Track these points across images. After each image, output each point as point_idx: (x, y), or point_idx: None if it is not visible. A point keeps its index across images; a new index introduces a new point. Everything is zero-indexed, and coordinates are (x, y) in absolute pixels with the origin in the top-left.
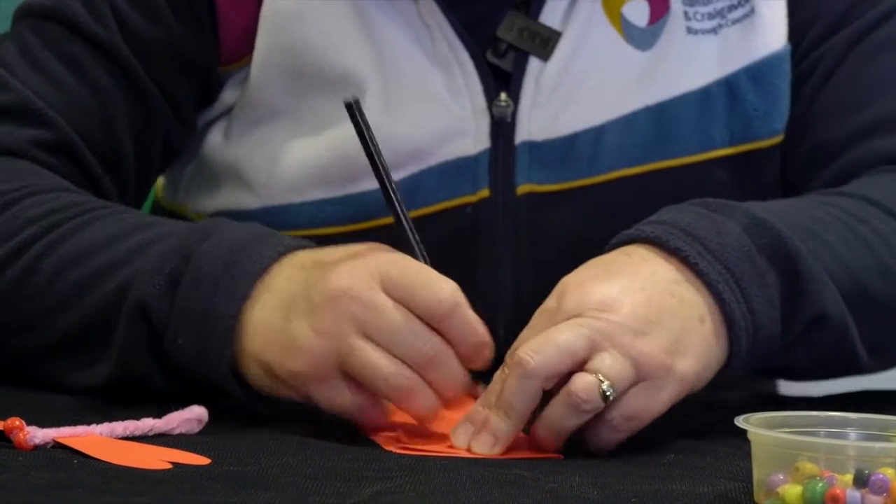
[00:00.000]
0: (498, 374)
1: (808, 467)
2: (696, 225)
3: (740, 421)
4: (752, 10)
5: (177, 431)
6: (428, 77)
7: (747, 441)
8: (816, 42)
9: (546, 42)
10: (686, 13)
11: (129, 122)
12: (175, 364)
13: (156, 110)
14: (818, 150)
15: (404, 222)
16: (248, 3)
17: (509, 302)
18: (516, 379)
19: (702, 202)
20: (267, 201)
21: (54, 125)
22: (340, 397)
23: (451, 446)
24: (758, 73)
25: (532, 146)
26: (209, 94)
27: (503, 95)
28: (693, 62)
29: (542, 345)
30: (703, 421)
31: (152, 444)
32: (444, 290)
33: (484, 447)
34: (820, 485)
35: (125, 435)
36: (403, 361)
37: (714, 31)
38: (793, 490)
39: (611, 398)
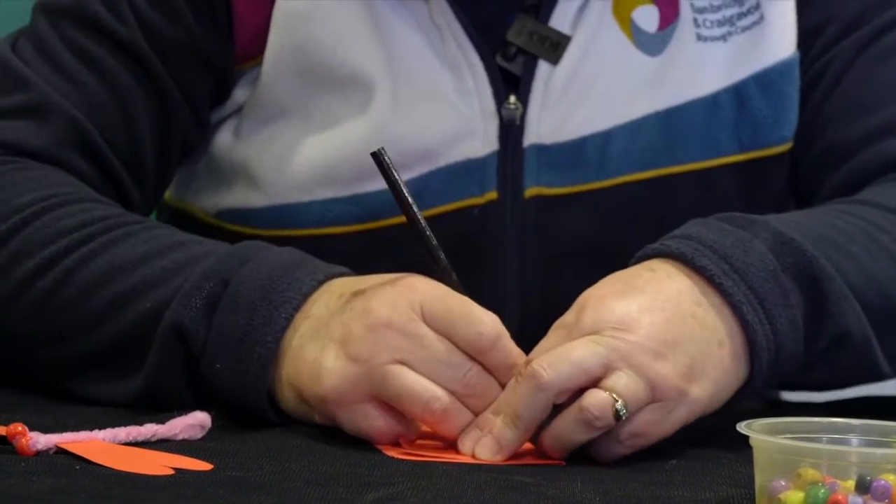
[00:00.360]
0: (511, 383)
1: (811, 473)
2: (722, 242)
3: (742, 427)
4: (762, 18)
5: (179, 437)
6: (437, 78)
7: (749, 447)
8: (826, 47)
9: (556, 46)
10: (696, 20)
11: (149, 121)
12: (210, 387)
13: (175, 109)
14: (828, 154)
15: (446, 265)
16: (263, 3)
17: (516, 304)
18: (528, 390)
19: (727, 217)
20: (275, 200)
21: (76, 124)
22: (367, 422)
23: (453, 452)
24: (766, 80)
25: (540, 149)
26: (223, 93)
27: (512, 98)
28: (702, 69)
29: (556, 359)
30: (705, 427)
31: (155, 449)
32: (485, 323)
33: (487, 453)
34: (822, 491)
35: (128, 441)
36: (443, 387)
37: (723, 38)
38: (795, 496)
39: (623, 417)
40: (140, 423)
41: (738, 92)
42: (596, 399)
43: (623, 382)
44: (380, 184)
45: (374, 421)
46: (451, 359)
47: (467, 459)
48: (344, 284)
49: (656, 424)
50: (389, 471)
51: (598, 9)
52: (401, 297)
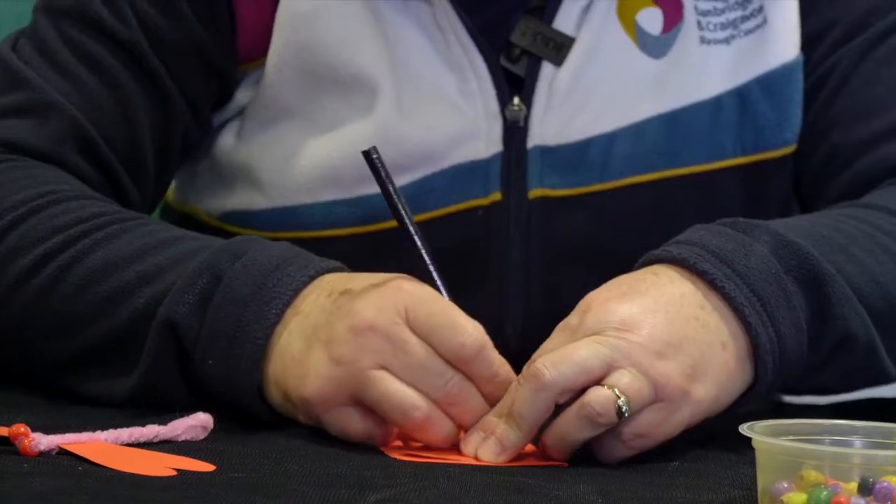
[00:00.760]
0: (513, 385)
1: (813, 475)
2: (724, 247)
3: (745, 429)
4: (765, 21)
5: (182, 438)
6: (441, 80)
7: (752, 449)
8: (830, 50)
9: (559, 48)
10: (699, 23)
11: (150, 121)
12: (203, 383)
13: (175, 110)
14: (833, 157)
15: (429, 264)
16: (265, 4)
17: (519, 305)
18: (530, 391)
19: (730, 222)
20: (278, 202)
21: (75, 123)
22: (351, 425)
23: (456, 453)
24: (769, 83)
25: (544, 150)
26: (225, 94)
27: (516, 100)
28: (706, 72)
29: (559, 359)
30: (708, 428)
31: (157, 450)
32: (469, 333)
33: (490, 455)
34: (824, 493)
35: (130, 442)
36: (424, 394)
37: (727, 41)
38: (797, 498)
39: (626, 414)
40: (142, 424)
41: (741, 95)
42: (598, 396)
43: (626, 380)
44: None
45: (355, 424)
46: (432, 366)
47: (470, 461)
48: (334, 281)
49: (660, 425)
50: (392, 472)
51: (603, 11)
52: (387, 299)
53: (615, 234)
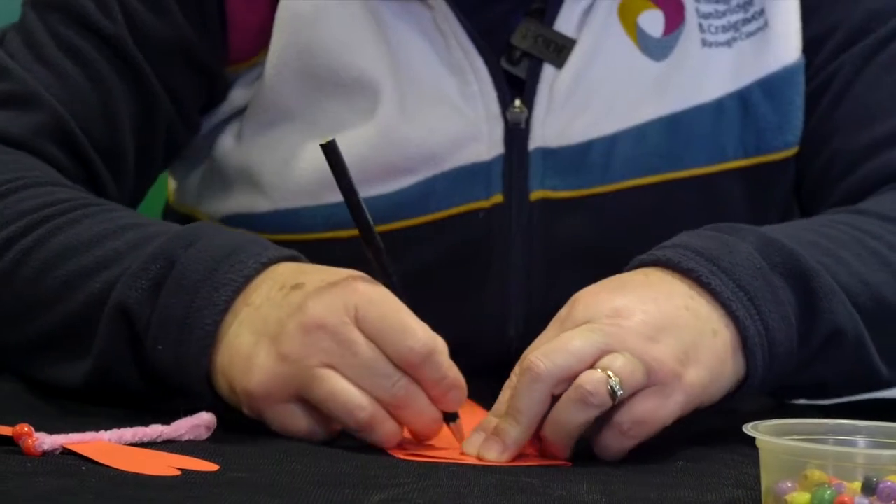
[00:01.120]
0: (508, 383)
1: (817, 475)
2: (708, 246)
3: (748, 428)
4: (766, 24)
5: (185, 438)
6: (442, 83)
7: (755, 448)
8: (833, 55)
9: (560, 49)
10: (701, 25)
11: (131, 116)
12: (154, 369)
13: (159, 106)
14: (834, 162)
15: (383, 261)
16: (261, 3)
17: (521, 306)
18: (526, 384)
19: (714, 226)
20: (279, 204)
21: (55, 114)
22: (294, 422)
23: (459, 453)
24: (771, 86)
25: (546, 152)
26: (215, 93)
27: (517, 102)
28: (707, 74)
29: (551, 350)
30: (712, 428)
31: (161, 450)
32: (418, 338)
33: (492, 454)
34: (828, 492)
35: (134, 441)
36: (370, 395)
37: (728, 43)
38: (801, 498)
39: (619, 394)
40: (145, 424)
41: (742, 97)
42: (590, 376)
43: (619, 364)
44: (385, 188)
45: (298, 421)
46: (379, 368)
47: (473, 460)
48: (287, 273)
49: (655, 410)
50: (395, 472)
51: (604, 12)
52: (337, 298)
53: (616, 236)
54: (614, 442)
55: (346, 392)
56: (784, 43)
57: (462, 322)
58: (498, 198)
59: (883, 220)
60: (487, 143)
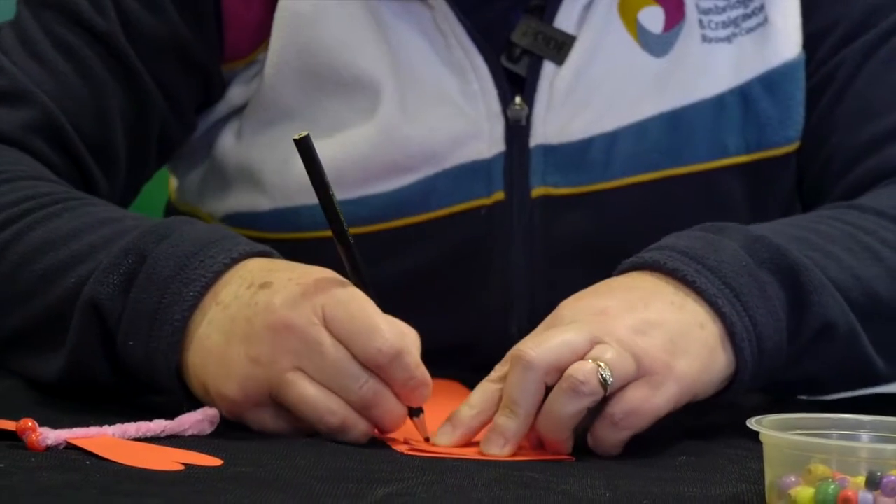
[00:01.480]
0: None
1: (821, 469)
2: (693, 246)
3: (752, 423)
4: (766, 20)
5: (189, 433)
6: (443, 81)
7: (759, 443)
8: (833, 51)
9: (560, 46)
10: (701, 21)
11: (123, 113)
12: (125, 365)
13: (152, 104)
14: (836, 159)
15: (355, 260)
16: (257, 1)
17: (523, 303)
18: (518, 373)
19: (702, 226)
20: (280, 203)
21: (46, 111)
22: (272, 423)
23: (463, 448)
24: (771, 81)
25: (547, 149)
26: (212, 91)
27: (518, 99)
28: (707, 70)
29: (542, 339)
30: (715, 423)
31: (164, 445)
32: (385, 340)
33: (494, 448)
34: (832, 487)
35: (137, 436)
36: (338, 396)
37: (728, 39)
38: (805, 492)
39: (609, 383)
40: (149, 419)
41: (743, 93)
42: (581, 365)
43: (609, 354)
44: (386, 186)
45: (277, 422)
46: (347, 370)
47: (477, 455)
48: (256, 270)
49: (647, 400)
50: (399, 466)
51: (604, 9)
52: (304, 297)
53: (618, 232)
54: (608, 434)
55: (314, 398)
56: (784, 38)
57: (464, 319)
58: (499, 195)
59: (878, 216)
60: (488, 141)
